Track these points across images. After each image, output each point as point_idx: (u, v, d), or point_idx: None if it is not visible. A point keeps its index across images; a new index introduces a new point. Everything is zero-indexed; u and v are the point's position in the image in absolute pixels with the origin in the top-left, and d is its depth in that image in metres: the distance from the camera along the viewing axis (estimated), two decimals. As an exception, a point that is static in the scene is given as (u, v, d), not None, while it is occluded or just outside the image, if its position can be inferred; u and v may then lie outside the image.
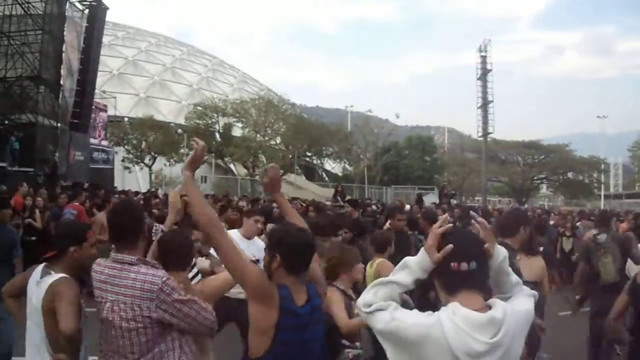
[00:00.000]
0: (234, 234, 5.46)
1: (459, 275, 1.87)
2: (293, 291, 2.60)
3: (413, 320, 1.86)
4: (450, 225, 1.96)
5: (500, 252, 1.99)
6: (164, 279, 2.65)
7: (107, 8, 22.99)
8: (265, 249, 2.74)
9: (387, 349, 1.91)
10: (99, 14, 22.47)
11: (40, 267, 3.21)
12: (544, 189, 65.15)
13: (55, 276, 3.09)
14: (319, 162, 51.00)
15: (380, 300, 1.94)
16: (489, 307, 1.86)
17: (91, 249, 3.28)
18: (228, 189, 27.15)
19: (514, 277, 2.04)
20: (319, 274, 2.96)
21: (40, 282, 3.12)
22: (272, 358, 2.56)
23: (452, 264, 1.86)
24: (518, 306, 1.94)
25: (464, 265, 1.85)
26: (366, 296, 1.99)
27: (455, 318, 1.80)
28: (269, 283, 2.59)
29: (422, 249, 1.98)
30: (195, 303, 2.69)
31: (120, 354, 2.68)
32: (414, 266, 1.98)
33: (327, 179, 51.46)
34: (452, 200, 24.39)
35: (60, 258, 3.18)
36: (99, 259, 2.92)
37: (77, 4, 22.28)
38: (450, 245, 1.88)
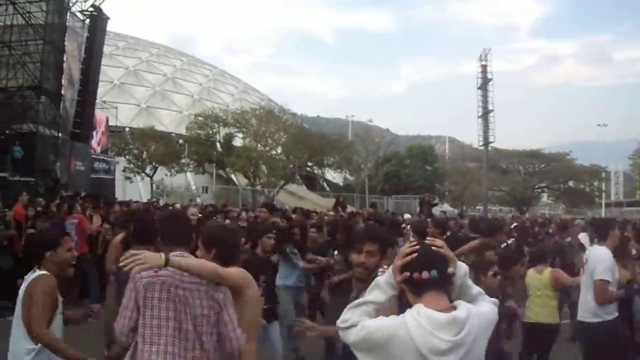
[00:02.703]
0: None
1: (422, 282, 2.05)
2: None
3: (379, 323, 2.03)
4: (415, 246, 2.12)
5: (461, 268, 2.17)
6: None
7: (108, 18, 23.06)
8: None
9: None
10: (100, 24, 22.54)
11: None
12: (544, 198, 65.29)
13: (35, 273, 3.38)
14: (319, 172, 50.89)
15: (357, 318, 2.12)
16: (454, 308, 2.02)
17: (67, 253, 3.55)
18: (228, 199, 27.15)
19: (476, 289, 2.22)
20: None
21: (26, 279, 3.40)
22: None
23: (414, 274, 2.05)
24: (482, 308, 2.11)
25: (425, 274, 2.04)
26: (344, 315, 2.18)
27: (419, 318, 1.96)
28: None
29: (391, 267, 2.19)
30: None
31: (187, 340, 2.91)
32: (384, 285, 2.19)
33: (328, 188, 51.39)
34: (442, 208, 24.13)
35: (40, 262, 3.43)
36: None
37: (78, 14, 22.34)
38: (407, 273, 2.07)
